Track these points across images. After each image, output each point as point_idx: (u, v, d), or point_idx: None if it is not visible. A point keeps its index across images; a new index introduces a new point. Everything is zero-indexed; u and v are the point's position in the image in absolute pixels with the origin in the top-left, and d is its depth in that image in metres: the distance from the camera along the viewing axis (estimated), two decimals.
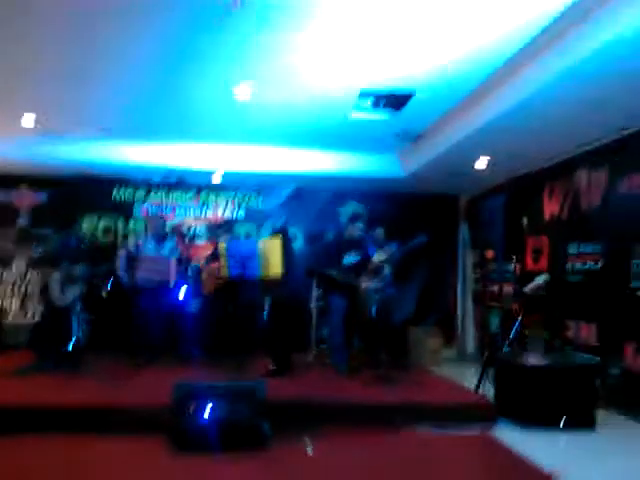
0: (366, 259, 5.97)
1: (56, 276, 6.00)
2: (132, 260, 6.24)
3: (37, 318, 6.20)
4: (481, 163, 6.84)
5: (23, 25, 4.20)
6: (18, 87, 5.46)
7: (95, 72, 5.07)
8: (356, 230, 6.13)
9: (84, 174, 7.99)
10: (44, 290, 6.05)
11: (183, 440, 3.80)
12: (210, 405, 3.81)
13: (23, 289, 7.77)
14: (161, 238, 6.44)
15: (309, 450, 3.86)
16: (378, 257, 6.16)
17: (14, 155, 7.30)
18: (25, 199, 8.29)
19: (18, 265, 7.84)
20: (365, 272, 6.16)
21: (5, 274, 7.86)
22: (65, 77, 5.18)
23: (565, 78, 4.28)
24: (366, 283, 6.09)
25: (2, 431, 3.99)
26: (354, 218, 6.40)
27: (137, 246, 6.36)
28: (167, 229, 7.00)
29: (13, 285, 7.83)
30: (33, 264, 7.66)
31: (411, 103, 5.62)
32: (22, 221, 7.92)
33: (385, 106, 5.64)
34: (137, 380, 5.42)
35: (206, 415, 3.78)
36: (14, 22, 4.15)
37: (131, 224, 8.37)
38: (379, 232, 6.52)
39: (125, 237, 8.05)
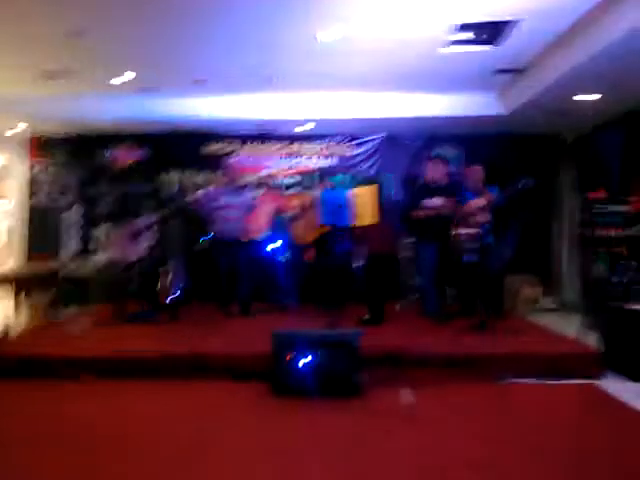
0: (458, 203, 5.74)
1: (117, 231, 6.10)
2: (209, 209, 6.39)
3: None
4: (590, 97, 6.30)
5: None
6: (115, 45, 5.60)
7: (185, 26, 5.11)
8: (438, 173, 5.90)
9: (177, 130, 8.23)
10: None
11: (282, 386, 3.93)
12: (307, 354, 3.88)
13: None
14: (236, 189, 6.51)
15: (408, 398, 3.85)
16: (476, 203, 5.91)
17: (115, 113, 7.60)
18: (123, 157, 8.68)
19: None
20: (460, 218, 5.95)
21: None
22: (159, 35, 5.30)
23: None
24: (460, 230, 5.89)
25: (112, 375, 4.31)
26: (436, 161, 6.11)
27: (210, 193, 6.45)
28: (242, 180, 7.05)
29: None
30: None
31: (512, 34, 5.21)
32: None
33: (484, 38, 5.27)
34: (236, 329, 5.66)
35: (303, 363, 3.87)
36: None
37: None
38: (477, 174, 6.17)
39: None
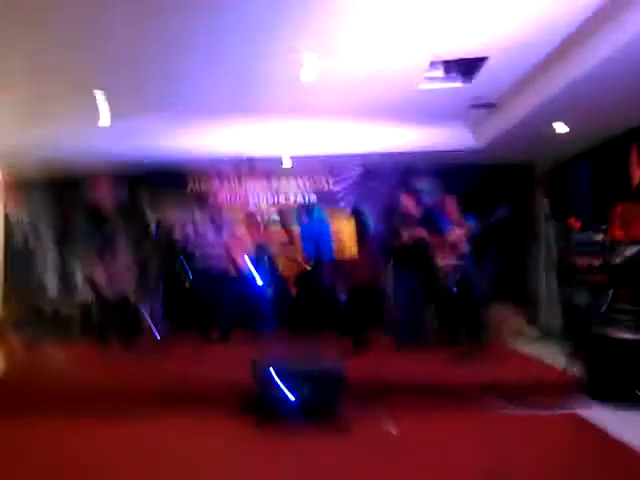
0: (435, 234, 5.81)
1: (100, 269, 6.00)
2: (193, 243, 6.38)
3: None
4: (562, 128, 6.47)
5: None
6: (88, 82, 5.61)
7: (161, 58, 5.11)
8: (410, 206, 5.98)
9: (158, 168, 8.23)
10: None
11: (264, 415, 3.86)
12: (290, 383, 3.83)
13: None
14: (220, 224, 6.50)
15: (391, 429, 3.81)
16: (458, 233, 5.99)
17: (94, 153, 7.59)
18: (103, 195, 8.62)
19: None
20: (444, 248, 6.02)
21: None
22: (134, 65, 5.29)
23: None
24: (443, 260, 5.97)
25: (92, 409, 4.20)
26: (408, 195, 6.19)
27: (195, 230, 6.44)
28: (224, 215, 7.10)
29: None
30: None
31: (483, 70, 5.36)
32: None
33: (457, 74, 5.42)
34: (220, 359, 5.62)
35: (286, 392, 3.81)
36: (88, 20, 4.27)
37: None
38: (451, 205, 6.28)
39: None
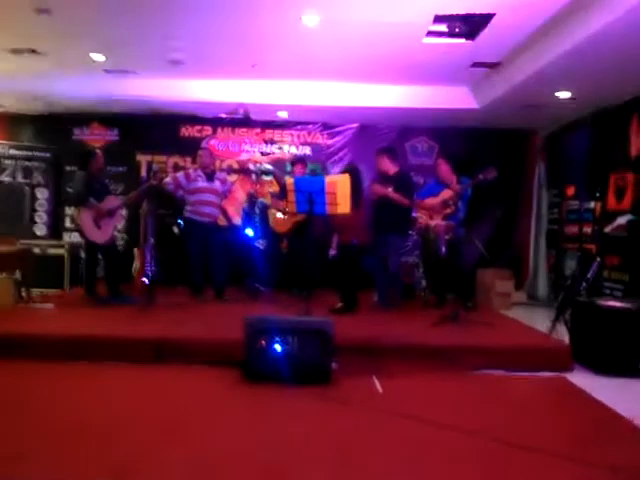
0: (407, 195, 5.81)
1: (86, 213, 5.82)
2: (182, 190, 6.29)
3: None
4: (564, 93, 6.38)
5: None
6: (87, 25, 5.46)
7: (161, 8, 4.99)
8: (383, 165, 5.92)
9: (153, 111, 8.09)
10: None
11: (254, 372, 3.88)
12: (280, 340, 3.84)
13: None
14: (211, 173, 6.41)
15: (378, 387, 3.86)
16: (442, 195, 5.98)
17: (86, 93, 7.43)
18: (95, 136, 8.50)
19: None
20: (428, 209, 6.02)
21: None
22: (134, 14, 5.17)
23: None
24: (435, 221, 5.96)
25: (81, 357, 4.24)
26: (381, 154, 6.09)
27: (186, 176, 6.33)
28: (217, 164, 6.98)
29: None
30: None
31: (488, 29, 5.21)
32: None
33: (460, 31, 5.27)
34: (209, 314, 5.60)
35: (275, 349, 3.83)
36: None
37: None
38: (443, 167, 6.23)
39: None
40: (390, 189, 5.77)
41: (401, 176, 6.05)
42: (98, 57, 6.36)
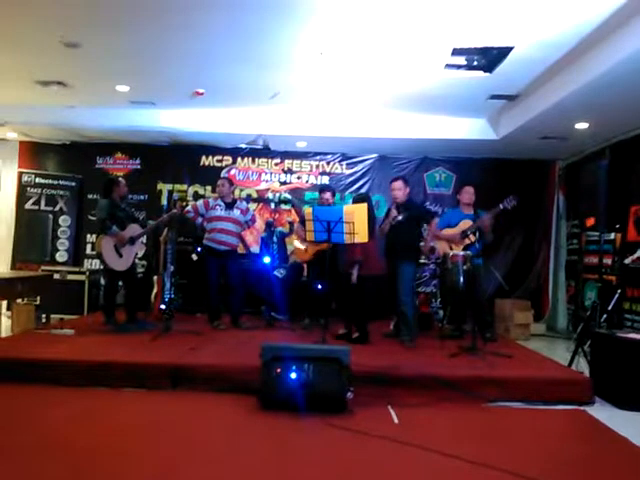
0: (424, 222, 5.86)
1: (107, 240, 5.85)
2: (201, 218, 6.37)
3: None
4: (582, 125, 6.40)
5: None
6: (113, 58, 5.65)
7: (183, 40, 5.14)
8: (397, 193, 5.91)
9: (175, 142, 8.26)
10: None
11: (270, 400, 3.87)
12: (296, 368, 3.84)
13: None
14: (231, 202, 6.48)
15: (394, 417, 3.82)
16: (464, 224, 5.97)
17: (110, 123, 7.65)
18: (117, 165, 8.69)
19: None
20: (454, 240, 6.01)
21: None
22: (155, 51, 5.41)
23: None
24: (455, 251, 5.94)
25: (97, 383, 4.29)
26: (395, 182, 6.09)
27: (205, 204, 6.40)
28: (234, 194, 7.06)
29: None
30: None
31: (506, 62, 5.28)
32: None
33: (479, 64, 5.34)
34: (225, 341, 5.61)
35: (292, 377, 3.82)
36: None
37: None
38: (468, 195, 6.22)
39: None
40: (395, 213, 5.80)
41: (412, 203, 6.06)
42: (122, 88, 6.55)
